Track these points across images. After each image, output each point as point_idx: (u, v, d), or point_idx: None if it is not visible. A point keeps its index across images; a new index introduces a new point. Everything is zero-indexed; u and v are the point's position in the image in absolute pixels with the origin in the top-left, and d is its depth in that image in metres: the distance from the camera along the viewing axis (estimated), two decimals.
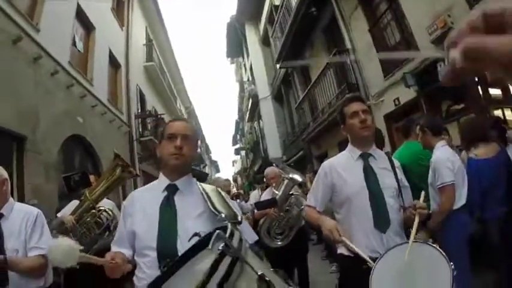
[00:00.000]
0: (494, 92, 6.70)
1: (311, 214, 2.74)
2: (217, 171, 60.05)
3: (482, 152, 3.96)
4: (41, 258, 2.70)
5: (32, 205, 3.25)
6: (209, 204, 1.94)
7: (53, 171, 8.62)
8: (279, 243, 4.90)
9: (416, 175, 3.83)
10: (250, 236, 2.16)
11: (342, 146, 2.87)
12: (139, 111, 17.86)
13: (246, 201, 7.78)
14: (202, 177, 7.00)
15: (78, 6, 11.45)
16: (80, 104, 10.90)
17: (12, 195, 6.01)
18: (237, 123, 41.94)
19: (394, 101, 9.04)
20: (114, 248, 2.16)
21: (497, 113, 6.65)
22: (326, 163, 2.83)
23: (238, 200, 7.43)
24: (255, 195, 7.07)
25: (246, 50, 25.13)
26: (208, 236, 1.50)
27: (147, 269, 1.95)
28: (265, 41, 21.40)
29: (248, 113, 27.68)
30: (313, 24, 13.18)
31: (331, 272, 7.06)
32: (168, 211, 2.06)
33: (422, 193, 2.44)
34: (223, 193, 2.18)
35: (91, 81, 11.93)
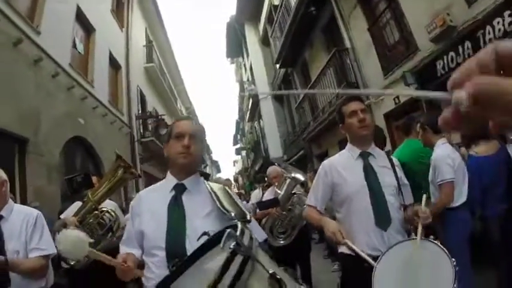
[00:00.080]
0: None
1: (312, 215, 2.74)
2: (218, 171, 60.09)
3: (483, 149, 3.97)
4: (42, 259, 2.73)
5: (34, 207, 3.26)
6: (217, 203, 1.94)
7: (55, 173, 8.64)
8: (282, 242, 4.90)
9: (417, 173, 3.85)
10: (259, 234, 2.15)
11: (342, 145, 2.88)
12: (140, 112, 17.87)
13: (247, 201, 7.78)
14: (204, 178, 7.01)
15: (78, 8, 11.46)
16: (81, 105, 10.91)
17: (14, 197, 6.06)
18: (238, 123, 41.96)
19: (394, 99, 9.05)
20: (122, 248, 2.16)
21: None
22: (326, 162, 2.84)
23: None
24: (256, 195, 7.05)
25: (246, 50, 25.15)
26: (217, 235, 1.51)
27: (156, 268, 1.94)
28: (264, 41, 21.40)
29: (248, 112, 27.68)
30: (313, 23, 13.19)
31: (333, 271, 7.06)
32: (176, 210, 2.05)
33: (424, 197, 2.44)
34: (230, 192, 2.17)
35: (92, 82, 11.94)
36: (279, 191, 4.99)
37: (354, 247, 2.27)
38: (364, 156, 2.67)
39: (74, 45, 11.23)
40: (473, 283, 3.53)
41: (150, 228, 2.04)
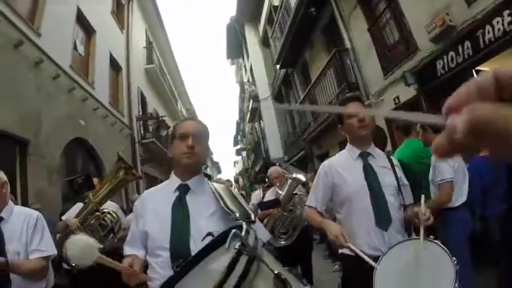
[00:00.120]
0: None
1: (313, 216, 2.73)
2: (219, 172, 60.08)
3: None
4: (42, 260, 2.73)
5: (35, 209, 3.27)
6: (222, 203, 1.94)
7: (56, 175, 8.66)
8: (283, 242, 4.91)
9: (417, 173, 3.85)
10: (263, 234, 2.14)
11: (343, 146, 2.88)
12: (141, 113, 17.90)
13: (248, 202, 7.77)
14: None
15: (79, 10, 11.48)
16: (82, 107, 10.94)
17: (15, 199, 6.07)
18: (238, 124, 41.93)
19: (394, 99, 9.06)
20: (127, 249, 2.16)
21: None
22: (326, 163, 2.84)
23: None
24: (256, 196, 7.05)
25: (246, 51, 25.16)
26: (222, 236, 1.51)
27: (160, 269, 1.94)
28: (264, 42, 21.41)
29: (249, 113, 27.69)
30: (313, 24, 13.21)
31: (333, 271, 7.07)
32: (180, 211, 2.05)
33: (423, 197, 2.42)
34: (234, 192, 2.17)
35: (92, 84, 11.96)
36: (280, 192, 4.99)
37: (357, 250, 2.26)
38: (364, 156, 2.67)
39: (75, 47, 11.25)
40: (474, 283, 3.54)
41: (154, 228, 2.04)
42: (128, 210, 8.01)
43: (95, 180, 5.41)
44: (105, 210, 4.50)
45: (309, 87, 14.06)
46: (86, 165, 11.30)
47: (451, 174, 3.58)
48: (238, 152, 43.85)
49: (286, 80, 18.82)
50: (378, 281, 2.07)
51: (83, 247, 1.86)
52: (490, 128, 0.34)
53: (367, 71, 10.23)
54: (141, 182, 13.87)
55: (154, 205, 2.15)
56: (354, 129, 2.65)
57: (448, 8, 6.75)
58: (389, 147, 6.15)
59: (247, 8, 21.56)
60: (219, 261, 1.36)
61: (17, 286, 2.60)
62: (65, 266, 4.64)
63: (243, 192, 17.64)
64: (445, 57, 6.97)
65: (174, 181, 2.21)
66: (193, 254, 1.73)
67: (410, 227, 2.65)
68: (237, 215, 1.77)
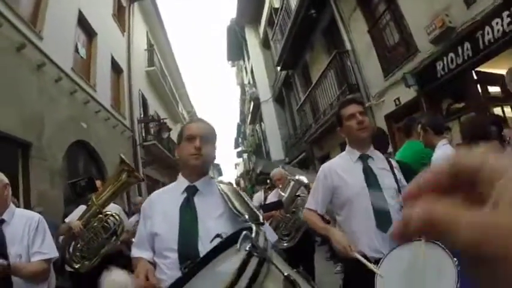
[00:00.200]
0: (494, 89, 6.75)
1: (314, 220, 2.74)
2: (220, 174, 59.92)
3: (484, 150, 3.97)
4: (44, 263, 2.74)
5: (38, 212, 3.29)
6: (230, 205, 1.94)
7: (58, 177, 8.68)
8: (286, 244, 4.91)
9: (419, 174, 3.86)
10: (271, 236, 2.11)
11: (344, 147, 2.89)
12: (142, 116, 17.94)
13: None
14: None
15: (80, 13, 11.52)
16: (84, 109, 10.97)
17: (18, 201, 6.09)
18: (239, 126, 41.90)
19: (394, 101, 9.08)
20: (134, 251, 2.17)
21: (497, 110, 6.69)
22: (325, 165, 2.85)
23: None
24: (258, 197, 7.06)
25: (247, 53, 25.17)
26: (230, 238, 1.51)
27: (168, 270, 1.94)
28: (265, 44, 21.41)
29: (250, 115, 27.68)
30: (313, 26, 13.22)
31: (335, 273, 7.08)
32: (188, 212, 2.05)
33: None
34: (242, 193, 2.17)
35: (94, 87, 12.00)
36: (282, 194, 5.01)
37: (363, 259, 2.25)
38: (364, 158, 2.69)
39: (76, 50, 11.30)
40: (474, 284, 3.54)
41: (162, 230, 2.04)
42: (130, 212, 8.03)
43: (98, 183, 5.43)
44: (108, 212, 4.50)
45: (309, 89, 14.06)
46: (87, 168, 11.32)
47: None
48: (239, 154, 43.72)
49: (287, 81, 18.82)
50: (379, 283, 2.08)
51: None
52: (441, 229, 0.36)
53: (368, 72, 10.24)
54: (143, 184, 13.90)
55: (162, 206, 2.16)
56: (353, 131, 2.67)
57: (447, 10, 6.78)
58: (389, 149, 6.17)
59: (247, 10, 21.58)
60: (228, 263, 1.37)
61: None
62: (68, 268, 4.65)
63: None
64: (444, 58, 6.99)
65: (181, 182, 2.22)
66: (201, 255, 1.73)
67: None
68: (246, 216, 1.77)
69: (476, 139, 4.06)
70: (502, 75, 5.08)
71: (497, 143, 4.02)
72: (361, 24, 10.20)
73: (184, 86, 31.09)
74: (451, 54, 6.80)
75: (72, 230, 4.25)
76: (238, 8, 21.93)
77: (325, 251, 9.09)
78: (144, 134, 17.00)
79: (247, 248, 1.14)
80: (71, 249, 4.37)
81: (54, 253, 2.87)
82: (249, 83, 27.07)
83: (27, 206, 6.75)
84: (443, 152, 3.75)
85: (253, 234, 1.25)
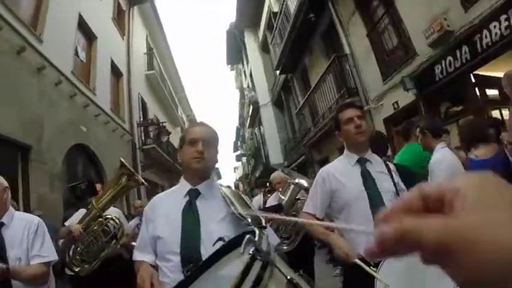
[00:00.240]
0: (492, 92, 6.77)
1: (315, 227, 2.74)
2: (219, 177, 59.84)
3: (482, 152, 3.99)
4: (43, 266, 2.75)
5: (37, 216, 3.29)
6: (232, 208, 1.94)
7: (58, 181, 8.69)
8: (285, 247, 4.91)
9: (418, 177, 3.87)
10: (273, 238, 2.14)
11: (342, 151, 2.90)
12: (142, 119, 17.98)
13: None
14: None
15: (80, 16, 11.56)
16: (83, 113, 11.00)
17: (17, 205, 6.09)
18: (238, 130, 41.91)
19: (393, 104, 9.10)
20: (136, 254, 2.17)
21: (495, 113, 6.71)
22: (323, 169, 2.85)
23: None
24: (257, 201, 7.05)
25: (246, 56, 25.19)
26: (233, 241, 1.53)
27: (171, 273, 1.94)
28: (264, 48, 21.43)
29: (249, 119, 27.70)
30: (312, 30, 13.25)
31: (335, 276, 7.08)
32: (190, 216, 2.05)
33: None
34: (244, 197, 2.19)
35: (94, 90, 12.03)
36: (282, 197, 5.01)
37: (365, 266, 2.25)
38: (362, 162, 2.69)
39: (76, 53, 11.34)
40: None
41: (165, 233, 2.04)
42: (129, 215, 8.04)
43: (98, 186, 5.44)
44: (108, 216, 4.51)
45: (308, 93, 14.09)
46: (86, 171, 11.34)
47: (445, 180, 3.58)
48: (238, 158, 43.78)
49: (285, 85, 18.84)
50: (380, 286, 2.10)
51: None
52: (410, 237, 0.39)
53: (366, 76, 10.27)
54: (142, 187, 13.89)
55: (164, 210, 2.16)
56: (351, 135, 2.67)
57: (445, 13, 6.81)
58: (389, 152, 6.18)
59: (246, 14, 21.62)
60: (230, 266, 1.38)
61: None
62: (68, 271, 4.66)
63: None
64: (443, 61, 7.01)
65: (184, 186, 2.22)
66: (203, 258, 1.75)
67: None
68: (249, 220, 1.77)
69: (474, 142, 4.09)
70: (499, 78, 5.09)
71: (495, 146, 4.04)
72: (359, 28, 10.23)
73: (184, 89, 31.15)
74: (449, 58, 6.83)
75: (72, 233, 4.26)
76: (237, 12, 21.96)
77: (325, 254, 9.09)
78: (143, 138, 17.04)
79: (250, 252, 1.15)
80: (71, 253, 4.38)
81: (53, 256, 2.87)
82: (248, 86, 27.09)
83: (27, 209, 6.76)
84: (441, 155, 3.76)
85: (257, 238, 1.25)
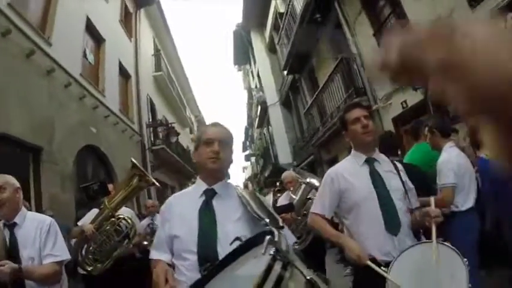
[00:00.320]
0: None
1: (325, 227, 2.73)
2: (228, 177, 59.86)
3: None
4: (56, 265, 2.79)
5: (49, 216, 3.32)
6: (249, 208, 1.95)
7: (69, 181, 8.78)
8: (297, 247, 4.91)
9: (428, 176, 3.87)
10: (290, 238, 2.11)
11: (351, 150, 2.91)
12: (150, 120, 18.06)
13: None
14: None
15: (88, 19, 11.67)
16: (93, 114, 11.10)
17: (29, 205, 6.17)
18: (247, 130, 41.86)
19: (401, 103, 9.06)
20: (153, 253, 2.19)
21: None
22: (332, 170, 2.86)
23: None
24: (267, 200, 7.06)
25: (253, 57, 25.18)
26: (249, 241, 1.56)
27: (187, 271, 1.96)
28: (271, 48, 21.42)
29: (257, 119, 27.69)
30: (318, 30, 13.23)
31: (345, 275, 7.06)
32: (207, 215, 2.07)
33: (432, 199, 2.47)
34: (261, 197, 2.19)
35: (103, 92, 12.14)
36: (294, 196, 5.02)
37: (376, 268, 2.26)
38: (370, 162, 2.70)
39: (85, 56, 11.43)
40: (486, 285, 3.53)
41: (182, 232, 2.06)
42: (140, 215, 8.10)
43: (110, 187, 5.50)
44: (120, 216, 4.57)
45: (316, 93, 14.05)
46: (97, 172, 11.44)
47: (452, 179, 3.57)
48: (247, 158, 43.66)
49: (293, 85, 18.81)
50: (391, 287, 2.11)
51: None
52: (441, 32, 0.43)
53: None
54: (152, 188, 13.97)
55: (180, 209, 2.18)
56: (359, 135, 2.67)
57: (452, 12, 6.78)
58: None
59: (253, 14, 21.63)
60: (247, 266, 1.40)
61: None
62: (81, 271, 4.71)
63: None
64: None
65: (200, 185, 2.24)
66: (220, 257, 1.77)
67: (418, 231, 2.69)
68: (267, 220, 1.77)
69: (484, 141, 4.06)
70: None
71: None
72: (366, 27, 10.20)
73: (191, 90, 31.24)
74: None
75: (84, 232, 4.32)
76: (244, 12, 21.99)
77: (335, 253, 9.07)
78: (152, 139, 17.12)
79: (271, 252, 1.17)
80: (83, 252, 4.43)
81: (66, 255, 2.92)
82: (255, 87, 27.05)
83: (39, 210, 6.84)
84: (449, 154, 3.76)
85: (276, 239, 1.27)
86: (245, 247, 1.54)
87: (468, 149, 4.66)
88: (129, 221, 4.63)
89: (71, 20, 10.34)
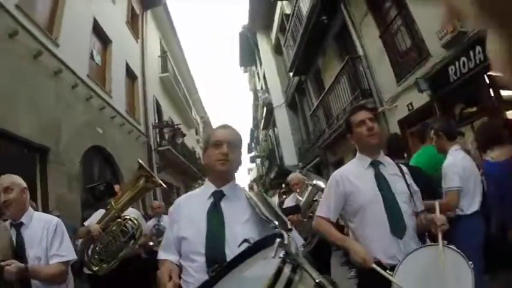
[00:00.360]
0: (507, 93, 6.72)
1: (331, 231, 2.73)
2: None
3: (498, 154, 3.97)
4: (62, 265, 2.81)
5: (56, 216, 3.34)
6: (257, 210, 1.94)
7: (75, 182, 8.83)
8: (302, 249, 4.90)
9: (434, 179, 3.87)
10: (298, 240, 2.12)
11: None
12: (157, 121, 18.12)
13: None
14: None
15: (95, 20, 11.75)
16: (100, 115, 11.17)
17: (36, 205, 6.21)
18: (252, 131, 41.86)
19: (407, 106, 9.05)
20: (161, 254, 2.20)
21: (510, 114, 6.65)
22: (337, 172, 2.85)
23: None
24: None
25: (259, 58, 25.18)
26: (258, 243, 1.57)
27: (195, 273, 1.96)
28: (277, 50, 21.41)
29: (263, 121, 27.69)
30: (325, 32, 13.22)
31: (349, 278, 7.04)
32: (215, 217, 2.06)
33: (436, 204, 2.48)
34: (269, 199, 2.18)
35: (109, 93, 12.20)
36: (300, 198, 5.01)
37: (382, 271, 2.27)
38: (375, 164, 2.69)
39: (92, 57, 11.50)
40: None
41: (190, 233, 2.06)
42: (146, 216, 8.13)
43: (117, 187, 5.52)
44: (126, 216, 4.58)
45: (322, 95, 14.03)
46: (103, 172, 11.50)
47: (457, 183, 3.56)
48: (252, 159, 43.62)
49: (299, 87, 18.80)
50: None
51: None
52: None
53: (380, 77, 10.23)
54: (157, 188, 14.01)
55: (189, 211, 2.18)
56: (364, 138, 2.68)
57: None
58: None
59: (259, 16, 21.65)
60: (255, 268, 1.41)
61: None
62: (87, 271, 4.73)
63: None
64: (457, 62, 6.96)
65: (208, 187, 2.23)
66: (228, 259, 1.77)
67: (424, 234, 2.68)
68: (276, 223, 1.77)
69: (490, 144, 4.04)
70: None
71: (510, 148, 4.00)
72: (372, 29, 10.19)
73: (197, 91, 31.32)
74: (463, 59, 6.78)
75: (91, 233, 4.34)
76: (250, 14, 22.01)
77: (340, 256, 9.06)
78: (158, 139, 17.20)
79: (281, 255, 1.17)
80: (89, 252, 4.45)
81: (72, 255, 2.94)
82: (261, 88, 27.05)
83: (45, 210, 6.88)
84: (454, 157, 3.75)
85: (286, 241, 1.27)
86: (253, 249, 1.55)
87: (474, 152, 4.64)
88: (135, 221, 4.63)
89: (78, 21, 10.41)
